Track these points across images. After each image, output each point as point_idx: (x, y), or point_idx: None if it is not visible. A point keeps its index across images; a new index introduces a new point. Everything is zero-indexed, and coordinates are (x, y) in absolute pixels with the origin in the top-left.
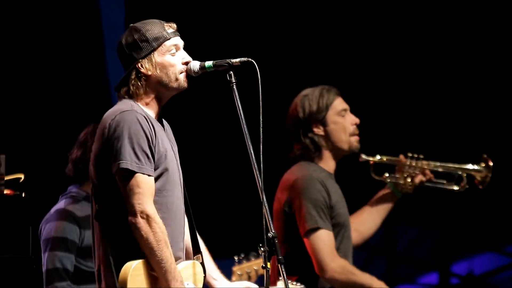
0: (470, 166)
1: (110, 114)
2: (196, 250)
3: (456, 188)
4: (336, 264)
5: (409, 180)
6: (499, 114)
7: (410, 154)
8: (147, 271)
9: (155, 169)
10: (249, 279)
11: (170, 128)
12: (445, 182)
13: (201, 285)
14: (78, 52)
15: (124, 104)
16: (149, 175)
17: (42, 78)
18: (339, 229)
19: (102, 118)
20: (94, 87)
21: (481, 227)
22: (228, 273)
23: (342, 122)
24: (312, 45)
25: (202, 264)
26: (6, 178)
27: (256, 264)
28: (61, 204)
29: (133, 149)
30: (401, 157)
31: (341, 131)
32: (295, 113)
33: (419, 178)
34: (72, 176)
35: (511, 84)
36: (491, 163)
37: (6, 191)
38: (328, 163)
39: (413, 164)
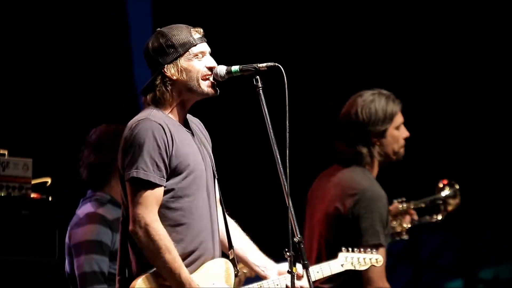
0: (442, 194)
1: (130, 124)
2: (229, 246)
3: (438, 217)
4: (384, 286)
5: (401, 225)
6: (498, 115)
7: (399, 200)
8: (156, 283)
9: (175, 175)
10: (239, 282)
11: (200, 125)
12: (427, 217)
13: (232, 281)
14: (106, 56)
15: (143, 113)
16: (156, 184)
17: (68, 83)
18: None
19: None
20: (121, 91)
21: (506, 233)
22: None
23: (398, 136)
24: (335, 49)
25: (233, 260)
26: (33, 182)
27: (244, 267)
28: (88, 207)
29: (142, 157)
30: (394, 205)
31: (395, 144)
32: (358, 117)
33: (407, 219)
34: (87, 181)
35: (511, 84)
36: (457, 186)
37: (33, 195)
38: (375, 171)
39: (401, 208)
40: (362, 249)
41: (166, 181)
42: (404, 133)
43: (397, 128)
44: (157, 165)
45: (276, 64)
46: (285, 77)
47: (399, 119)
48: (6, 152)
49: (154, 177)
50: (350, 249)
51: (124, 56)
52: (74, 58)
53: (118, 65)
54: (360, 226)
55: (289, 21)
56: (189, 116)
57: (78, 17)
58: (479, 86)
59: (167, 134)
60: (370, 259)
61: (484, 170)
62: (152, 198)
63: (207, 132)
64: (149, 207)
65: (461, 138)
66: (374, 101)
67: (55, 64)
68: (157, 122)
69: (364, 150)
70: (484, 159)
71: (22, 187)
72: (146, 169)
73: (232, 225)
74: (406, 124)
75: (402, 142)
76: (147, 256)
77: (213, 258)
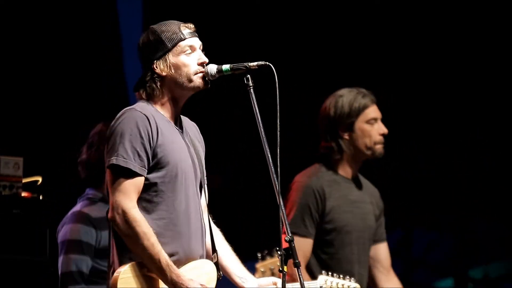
0: None
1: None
2: (212, 250)
3: None
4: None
5: None
6: (495, 115)
7: None
8: (139, 273)
9: (158, 168)
10: (272, 275)
11: (195, 128)
12: None
13: (213, 284)
14: (96, 54)
15: (132, 105)
16: (135, 172)
17: (59, 81)
18: (337, 233)
19: None
20: (112, 90)
21: (498, 232)
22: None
23: (369, 131)
24: (327, 48)
25: (216, 263)
26: (24, 180)
27: (271, 263)
28: (77, 206)
29: (123, 145)
30: None
31: (366, 138)
32: (326, 112)
33: None
34: (85, 179)
35: (507, 85)
36: None
37: (24, 194)
38: (346, 168)
39: None
40: (342, 275)
41: (149, 174)
42: (380, 129)
43: (369, 122)
44: (138, 154)
45: (267, 63)
46: (276, 76)
47: (370, 113)
48: None
49: (134, 166)
50: (330, 273)
51: (115, 55)
52: (65, 57)
53: (109, 64)
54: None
55: (280, 19)
56: (185, 118)
57: (69, 16)
58: (479, 86)
59: (151, 125)
60: (349, 286)
61: (476, 170)
62: (131, 186)
63: (202, 138)
64: (128, 194)
65: (458, 138)
66: (343, 96)
67: (46, 63)
68: (143, 112)
69: (333, 144)
70: (478, 160)
71: (13, 186)
72: (126, 157)
73: (217, 233)
74: (406, 124)
75: (377, 138)
76: (127, 244)
77: (193, 257)
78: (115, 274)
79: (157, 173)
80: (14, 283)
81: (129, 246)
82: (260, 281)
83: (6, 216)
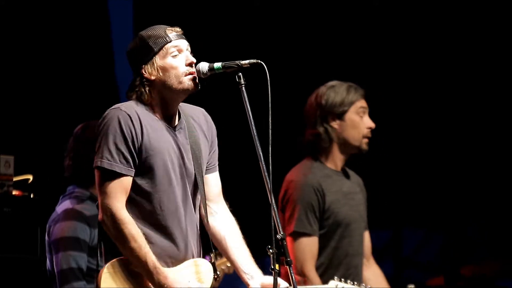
0: None
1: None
2: (208, 249)
3: None
4: (309, 273)
5: None
6: (488, 113)
7: None
8: (125, 268)
9: (144, 169)
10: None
11: (203, 117)
12: None
13: (208, 284)
14: (87, 55)
15: (119, 104)
16: (121, 173)
17: (51, 80)
18: (336, 227)
19: None
20: (102, 90)
21: (489, 230)
22: None
23: (358, 122)
24: (318, 46)
25: (213, 263)
26: (15, 179)
27: (222, 264)
28: (67, 204)
29: (108, 146)
30: None
31: (356, 129)
32: (318, 100)
33: None
34: (73, 177)
35: (505, 84)
36: None
37: (14, 192)
38: (334, 160)
39: None
40: (355, 282)
41: (136, 174)
42: (367, 122)
43: (359, 114)
44: (123, 154)
45: (259, 61)
46: (267, 74)
47: (360, 105)
48: None
49: (119, 167)
50: (342, 279)
51: (105, 56)
52: (57, 59)
53: (100, 65)
54: (288, 215)
55: (273, 18)
56: (192, 109)
57: (61, 18)
58: (474, 84)
59: (135, 125)
60: None
61: (465, 168)
62: (118, 188)
63: (211, 124)
64: (115, 196)
65: (448, 137)
66: (334, 87)
67: (38, 64)
68: (127, 112)
69: (321, 130)
70: (467, 158)
71: (4, 184)
72: (111, 159)
73: (231, 224)
74: (396, 123)
75: (364, 131)
76: (117, 245)
77: (185, 257)
78: (101, 270)
79: (143, 173)
80: (5, 281)
81: (119, 247)
82: (264, 279)
83: None
